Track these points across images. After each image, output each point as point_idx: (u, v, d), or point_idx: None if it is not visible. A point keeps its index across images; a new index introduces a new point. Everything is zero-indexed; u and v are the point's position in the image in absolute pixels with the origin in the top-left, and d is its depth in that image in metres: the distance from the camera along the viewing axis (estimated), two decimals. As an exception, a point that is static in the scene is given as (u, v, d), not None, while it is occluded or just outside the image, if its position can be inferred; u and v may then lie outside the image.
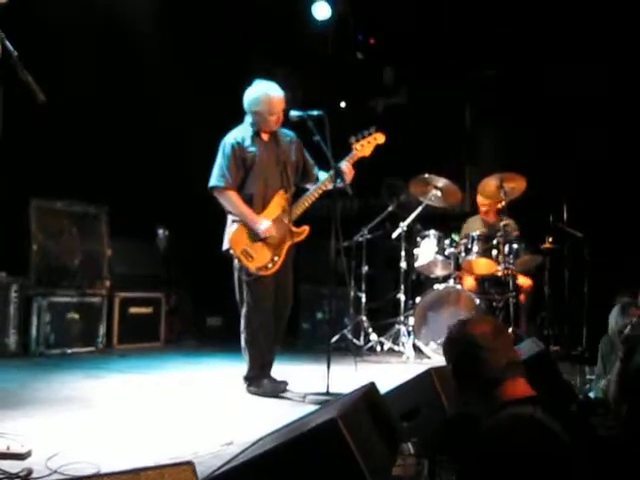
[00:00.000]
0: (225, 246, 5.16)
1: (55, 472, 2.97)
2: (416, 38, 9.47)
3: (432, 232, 7.34)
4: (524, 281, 7.25)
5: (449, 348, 2.43)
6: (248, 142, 5.19)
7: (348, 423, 2.12)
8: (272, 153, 5.25)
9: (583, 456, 2.03)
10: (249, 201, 5.15)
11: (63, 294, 7.24)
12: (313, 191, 5.26)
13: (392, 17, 9.45)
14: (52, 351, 6.97)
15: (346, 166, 5.22)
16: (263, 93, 5.19)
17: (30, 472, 2.95)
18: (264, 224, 5.08)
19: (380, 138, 5.38)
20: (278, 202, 5.20)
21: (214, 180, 5.17)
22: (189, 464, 1.64)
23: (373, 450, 2.30)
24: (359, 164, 5.34)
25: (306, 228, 5.26)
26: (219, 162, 5.18)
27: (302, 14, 9.34)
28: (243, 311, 5.15)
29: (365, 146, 5.32)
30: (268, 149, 5.24)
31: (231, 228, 5.14)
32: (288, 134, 5.41)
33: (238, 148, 5.16)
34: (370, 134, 5.36)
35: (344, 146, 5.31)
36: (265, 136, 5.27)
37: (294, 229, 5.23)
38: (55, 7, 7.04)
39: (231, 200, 5.13)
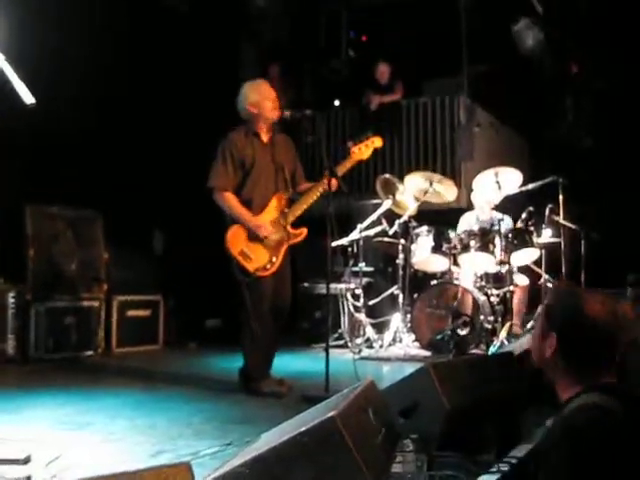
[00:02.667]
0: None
1: (54, 477, 2.96)
2: (409, 34, 9.49)
3: (428, 228, 7.33)
4: (521, 280, 7.26)
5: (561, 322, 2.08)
6: (246, 144, 5.24)
7: (346, 421, 2.12)
8: (270, 155, 5.28)
9: None
10: (248, 204, 5.17)
11: (60, 299, 7.22)
12: (311, 192, 5.25)
13: (384, 14, 9.47)
14: (51, 356, 6.95)
15: (345, 168, 5.25)
16: (254, 84, 5.34)
17: (29, 477, 2.94)
18: (262, 226, 5.09)
19: (377, 142, 5.42)
20: (276, 204, 5.22)
21: (211, 181, 5.19)
22: (186, 465, 1.64)
23: (372, 447, 2.30)
24: (362, 161, 5.35)
25: (304, 230, 5.26)
26: (217, 163, 5.20)
27: (295, 12, 9.37)
28: (243, 312, 5.14)
29: (363, 150, 5.35)
30: (266, 151, 5.28)
31: (229, 229, 5.15)
32: (285, 137, 5.47)
33: (236, 150, 5.20)
34: (367, 137, 5.40)
35: (344, 146, 5.34)
36: (264, 137, 5.31)
37: (292, 230, 5.23)
38: (50, 10, 7.07)
39: (228, 202, 5.15)
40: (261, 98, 5.23)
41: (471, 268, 7.25)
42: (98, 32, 7.71)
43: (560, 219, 7.18)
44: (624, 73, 7.82)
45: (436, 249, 7.24)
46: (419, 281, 7.68)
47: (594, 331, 2.00)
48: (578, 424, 1.88)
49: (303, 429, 2.11)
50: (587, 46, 8.36)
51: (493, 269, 7.12)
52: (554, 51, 8.93)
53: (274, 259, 5.11)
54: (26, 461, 3.17)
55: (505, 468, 2.92)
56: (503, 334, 6.49)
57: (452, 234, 7.28)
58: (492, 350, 6.37)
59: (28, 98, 3.10)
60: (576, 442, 1.83)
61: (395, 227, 7.46)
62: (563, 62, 9.21)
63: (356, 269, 7.72)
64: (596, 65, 8.22)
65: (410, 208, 7.42)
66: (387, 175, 7.72)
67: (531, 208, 7.16)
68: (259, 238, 5.09)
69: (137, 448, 3.53)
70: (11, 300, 6.79)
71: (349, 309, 7.73)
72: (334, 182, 5.08)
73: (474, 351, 6.73)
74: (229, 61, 9.04)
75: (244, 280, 5.07)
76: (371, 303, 7.80)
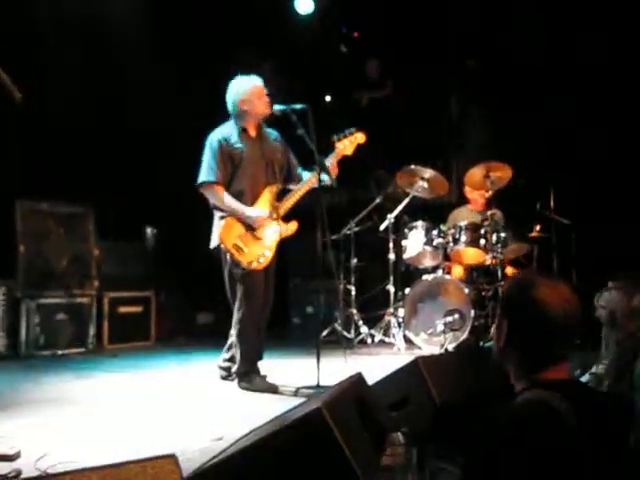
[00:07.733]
0: (214, 243, 5.16)
1: (44, 472, 2.95)
2: (399, 30, 9.46)
3: (420, 223, 7.31)
4: (512, 272, 7.27)
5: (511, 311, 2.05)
6: (235, 138, 5.22)
7: (333, 412, 2.12)
8: (259, 149, 5.27)
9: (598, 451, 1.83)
10: (238, 197, 5.15)
11: (52, 295, 7.21)
12: (301, 187, 5.26)
13: (375, 10, 9.45)
14: (42, 353, 6.94)
15: (330, 163, 5.23)
16: (247, 81, 5.29)
17: (19, 473, 2.94)
18: (256, 212, 5.09)
19: (361, 138, 5.40)
20: (266, 197, 5.20)
21: (203, 176, 5.17)
22: (172, 457, 1.63)
23: (360, 439, 2.30)
24: (346, 156, 5.35)
25: (294, 223, 5.26)
26: (207, 159, 5.18)
27: (285, 8, 9.33)
28: (235, 306, 5.13)
29: (347, 145, 5.34)
30: (255, 145, 5.27)
31: (220, 224, 5.13)
32: (272, 133, 5.46)
33: (225, 144, 5.18)
34: (351, 133, 5.37)
35: (328, 141, 5.33)
36: (252, 132, 5.30)
37: (283, 224, 5.22)
38: (38, 7, 7.03)
39: (220, 196, 5.12)
40: (253, 96, 5.21)
41: (462, 263, 7.26)
42: (88, 23, 7.66)
43: (551, 214, 7.20)
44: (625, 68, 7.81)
45: (428, 243, 7.24)
46: (411, 276, 7.68)
47: (541, 319, 1.94)
48: (523, 418, 1.85)
49: (291, 421, 2.12)
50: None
51: (484, 263, 7.12)
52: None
53: (267, 252, 5.10)
54: (16, 457, 3.17)
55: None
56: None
57: (443, 228, 7.29)
58: (483, 344, 6.38)
59: (15, 94, 3.08)
60: (523, 435, 1.80)
61: (387, 222, 7.46)
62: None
63: (348, 264, 7.72)
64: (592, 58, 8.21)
65: (402, 203, 7.41)
66: (379, 170, 7.72)
67: (522, 203, 7.16)
68: (252, 231, 5.08)
69: (126, 443, 3.53)
70: (1, 297, 6.79)
71: (341, 304, 7.73)
72: (327, 176, 5.12)
73: (465, 346, 6.74)
74: (219, 56, 9.00)
75: (237, 273, 5.06)
76: (363, 298, 7.80)
